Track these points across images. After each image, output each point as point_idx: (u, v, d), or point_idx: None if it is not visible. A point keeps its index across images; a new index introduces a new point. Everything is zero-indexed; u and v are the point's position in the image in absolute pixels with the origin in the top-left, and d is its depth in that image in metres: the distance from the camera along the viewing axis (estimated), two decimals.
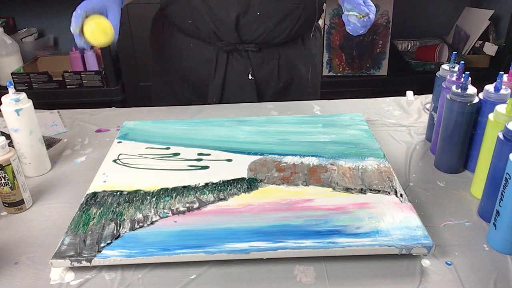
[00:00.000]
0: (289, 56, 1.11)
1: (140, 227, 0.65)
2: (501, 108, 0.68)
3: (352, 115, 0.97)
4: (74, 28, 0.82)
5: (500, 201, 0.60)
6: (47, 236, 0.68)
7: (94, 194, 0.72)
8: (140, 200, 0.70)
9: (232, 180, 0.75)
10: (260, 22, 1.01)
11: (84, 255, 0.60)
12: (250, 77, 1.09)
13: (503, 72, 0.73)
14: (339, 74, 2.18)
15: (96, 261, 0.59)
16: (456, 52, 0.87)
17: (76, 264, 0.60)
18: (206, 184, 0.74)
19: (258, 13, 0.99)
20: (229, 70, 1.09)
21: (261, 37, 1.04)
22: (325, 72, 2.18)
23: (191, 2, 1.01)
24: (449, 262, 0.61)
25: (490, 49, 2.09)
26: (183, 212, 0.68)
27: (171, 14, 1.08)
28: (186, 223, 0.65)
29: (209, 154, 0.83)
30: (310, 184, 0.74)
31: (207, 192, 0.72)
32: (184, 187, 0.74)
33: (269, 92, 1.13)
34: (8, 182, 0.70)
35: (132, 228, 0.65)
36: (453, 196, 0.75)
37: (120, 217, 0.67)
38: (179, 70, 1.13)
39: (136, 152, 0.84)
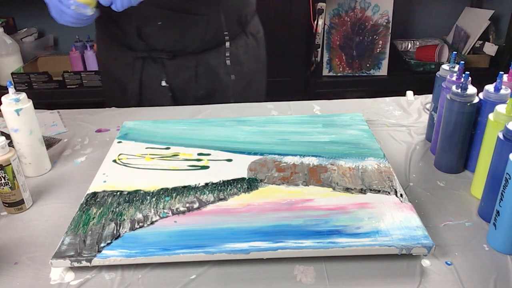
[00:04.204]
0: (209, 64, 1.10)
1: (140, 227, 0.65)
2: (501, 108, 0.68)
3: (352, 115, 0.97)
4: None
5: (500, 201, 0.60)
6: (47, 236, 0.68)
7: (94, 194, 0.72)
8: (140, 200, 0.70)
9: (232, 180, 0.75)
10: (163, 32, 1.02)
11: (84, 255, 0.60)
12: (163, 83, 1.10)
13: (503, 72, 0.73)
14: (339, 74, 2.18)
15: (96, 261, 0.59)
16: (456, 52, 0.87)
17: (76, 264, 0.60)
18: (206, 184, 0.74)
19: (160, 23, 1.01)
20: (144, 76, 1.10)
21: (168, 46, 1.05)
22: (325, 72, 2.18)
23: (103, 11, 0.99)
24: (449, 262, 0.61)
25: (490, 49, 2.09)
26: (183, 212, 0.68)
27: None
28: (186, 223, 0.65)
29: (209, 154, 0.83)
30: (310, 184, 0.74)
31: (207, 192, 0.72)
32: (184, 187, 0.74)
33: (189, 99, 1.12)
34: (8, 182, 0.70)
35: (132, 228, 0.65)
36: (453, 196, 0.75)
37: (120, 217, 0.67)
38: (106, 68, 1.20)
39: (136, 152, 0.84)
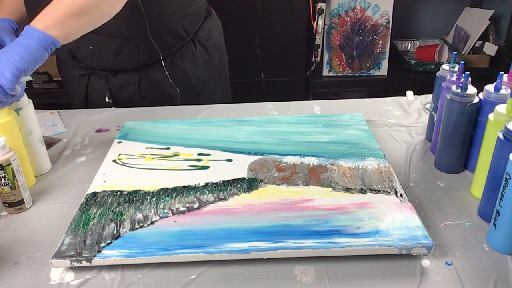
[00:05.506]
0: (153, 79, 1.09)
1: (140, 227, 0.65)
2: (501, 108, 0.68)
3: (352, 115, 0.97)
4: None
5: (500, 201, 0.60)
6: (47, 236, 0.68)
7: (94, 194, 0.72)
8: (140, 200, 0.70)
9: (232, 180, 0.75)
10: (96, 54, 1.03)
11: (84, 255, 0.60)
12: (107, 99, 1.11)
13: (503, 72, 0.73)
14: (339, 74, 2.18)
15: (96, 261, 0.59)
16: (456, 52, 0.87)
17: (76, 264, 0.60)
18: (206, 184, 0.74)
19: (91, 47, 1.01)
20: (89, 91, 1.12)
21: (105, 66, 1.06)
22: (325, 72, 2.18)
23: None
24: (449, 262, 0.61)
25: (490, 49, 2.09)
26: (183, 212, 0.68)
27: None
28: (186, 223, 0.65)
29: (209, 154, 0.83)
30: (310, 184, 0.74)
31: (207, 192, 0.72)
32: (184, 187, 0.74)
33: None
34: (8, 182, 0.70)
35: (132, 228, 0.65)
36: (453, 196, 0.75)
37: (120, 217, 0.67)
38: (61, 78, 1.24)
39: (136, 152, 0.84)
